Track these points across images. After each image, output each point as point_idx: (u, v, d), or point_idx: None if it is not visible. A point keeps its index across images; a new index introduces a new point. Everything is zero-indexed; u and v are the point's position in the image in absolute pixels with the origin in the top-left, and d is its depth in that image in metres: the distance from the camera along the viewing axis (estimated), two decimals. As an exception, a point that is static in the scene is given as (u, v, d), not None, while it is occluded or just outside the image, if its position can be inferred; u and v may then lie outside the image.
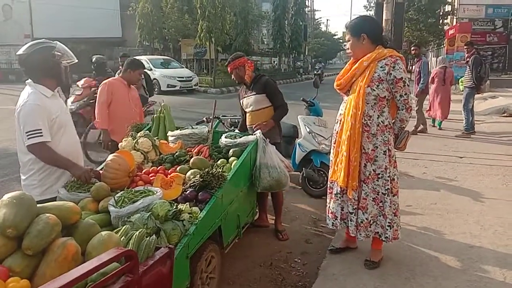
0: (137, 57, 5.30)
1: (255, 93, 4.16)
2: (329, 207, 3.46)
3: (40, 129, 2.65)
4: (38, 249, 1.85)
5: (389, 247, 3.49)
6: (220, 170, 3.14)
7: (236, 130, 4.36)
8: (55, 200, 2.50)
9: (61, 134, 2.82)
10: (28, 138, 2.64)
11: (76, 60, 2.93)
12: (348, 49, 3.28)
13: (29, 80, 2.79)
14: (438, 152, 7.41)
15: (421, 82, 9.23)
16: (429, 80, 9.52)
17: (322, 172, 5.28)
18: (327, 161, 5.23)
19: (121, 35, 29.59)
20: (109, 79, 4.78)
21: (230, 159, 3.53)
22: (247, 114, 4.30)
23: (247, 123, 4.32)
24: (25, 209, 1.92)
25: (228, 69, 4.25)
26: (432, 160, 6.80)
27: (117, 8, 29.18)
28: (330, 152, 4.26)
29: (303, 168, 5.34)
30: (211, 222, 2.87)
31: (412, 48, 10.21)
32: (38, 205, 2.04)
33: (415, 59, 10.00)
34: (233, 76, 4.26)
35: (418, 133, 9.05)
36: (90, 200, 2.67)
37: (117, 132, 4.50)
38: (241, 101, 4.39)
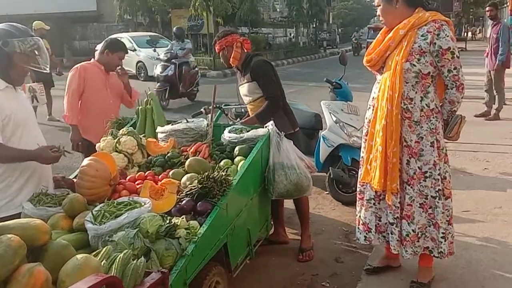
0: (116, 35, 5.32)
1: (246, 80, 4.19)
2: (359, 216, 3.46)
3: None
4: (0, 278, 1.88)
5: (442, 264, 3.48)
6: (224, 174, 3.15)
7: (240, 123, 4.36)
8: (19, 217, 2.54)
9: (19, 135, 2.86)
10: None
11: (47, 71, 2.96)
12: (379, 16, 3.26)
13: None
14: (503, 141, 7.35)
15: (499, 52, 9.05)
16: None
17: (354, 172, 5.26)
18: (360, 158, 5.23)
19: (96, 8, 29.79)
20: (82, 63, 4.74)
21: (236, 159, 3.54)
22: (248, 106, 4.37)
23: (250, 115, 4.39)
24: (-19, 229, 1.96)
25: (216, 48, 4.28)
26: (495, 152, 6.75)
27: (91, -25, 29.44)
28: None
29: (330, 168, 5.34)
30: (214, 239, 2.90)
31: (487, 9, 9.98)
32: (-2, 223, 2.08)
33: (492, 22, 9.79)
34: (221, 57, 4.34)
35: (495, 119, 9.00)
36: (62, 216, 2.69)
37: (91, 130, 4.52)
38: (237, 90, 4.47)
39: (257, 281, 3.77)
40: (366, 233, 3.38)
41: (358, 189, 3.48)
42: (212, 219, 2.84)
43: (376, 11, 3.41)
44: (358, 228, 3.46)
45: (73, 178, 3.23)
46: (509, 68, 9.47)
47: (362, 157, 3.42)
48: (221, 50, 4.20)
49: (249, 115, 4.48)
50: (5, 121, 2.78)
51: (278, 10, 36.87)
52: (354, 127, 5.35)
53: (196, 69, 13.75)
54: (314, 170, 3.90)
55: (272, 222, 4.25)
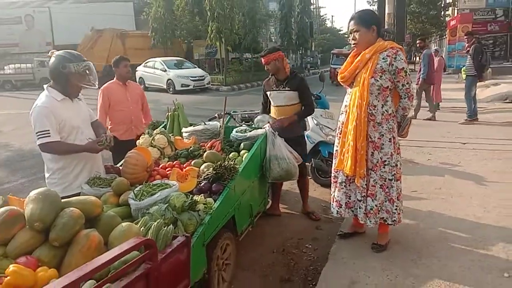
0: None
1: (289, 89, 4.01)
2: (333, 196, 3.46)
3: (48, 130, 2.70)
4: (64, 241, 1.90)
5: (396, 230, 3.48)
6: (232, 163, 3.16)
7: (245, 125, 4.35)
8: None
9: (74, 135, 2.86)
10: (38, 138, 2.71)
11: (96, 87, 2.96)
12: (353, 40, 3.17)
13: (46, 85, 2.86)
14: (441, 139, 7.33)
15: (421, 72, 9.43)
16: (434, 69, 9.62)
17: (330, 162, 5.25)
18: (334, 151, 5.22)
19: (136, 39, 29.71)
20: (105, 84, 4.69)
21: (241, 152, 3.54)
22: (274, 108, 4.16)
23: (275, 116, 4.15)
24: (50, 204, 1.97)
25: (264, 60, 4.03)
26: (436, 147, 6.73)
27: (132, 14, 29.36)
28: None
29: (312, 159, 5.34)
30: (225, 211, 2.90)
31: (417, 41, 10.26)
32: (62, 200, 2.09)
33: (421, 50, 9.98)
34: (267, 68, 4.05)
35: (428, 119, 9.26)
36: (111, 194, 2.70)
37: (118, 129, 4.55)
38: (267, 93, 4.21)
39: (257, 244, 3.77)
40: (338, 208, 3.38)
41: (332, 175, 3.47)
42: (223, 197, 2.84)
43: (348, 41, 3.38)
44: (332, 204, 3.46)
45: (119, 166, 3.23)
46: (431, 84, 9.71)
47: (336, 150, 3.41)
48: (272, 61, 3.98)
49: (272, 118, 4.24)
50: (62, 124, 2.78)
51: (273, 40, 36.73)
52: (330, 128, 5.34)
53: None
54: (300, 161, 3.87)
55: (269, 199, 4.26)
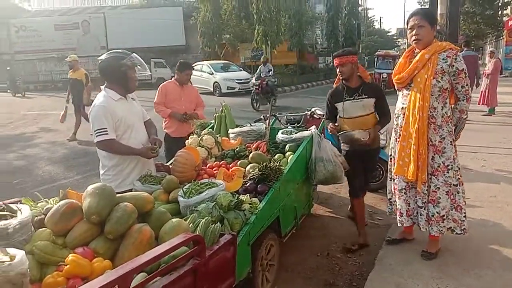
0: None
1: (366, 96, 3.52)
2: (395, 204, 3.37)
3: (106, 128, 2.82)
4: (118, 234, 1.99)
5: (447, 238, 3.34)
6: (277, 164, 3.17)
7: (290, 127, 4.32)
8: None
9: (129, 133, 2.98)
10: (96, 136, 2.84)
11: (149, 73, 3.08)
12: (415, 35, 3.02)
13: (103, 86, 3.00)
14: (497, 145, 6.95)
15: None
16: (491, 71, 9.31)
17: (378, 166, 5.13)
18: (382, 155, 5.08)
19: (185, 43, 30.48)
20: (164, 82, 4.98)
21: (287, 154, 3.54)
22: (346, 120, 3.58)
23: (350, 128, 3.56)
24: (106, 198, 2.07)
25: (339, 60, 3.55)
26: (491, 153, 6.39)
27: (181, 18, 30.11)
28: (386, 147, 4.14)
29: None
30: (270, 212, 2.91)
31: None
32: (117, 195, 2.19)
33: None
34: (341, 70, 3.54)
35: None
36: (161, 192, 2.79)
37: (171, 127, 4.79)
38: (337, 104, 3.65)
39: (302, 246, 3.75)
40: (400, 217, 3.29)
41: (392, 181, 3.37)
42: (269, 197, 2.86)
43: (397, 43, 3.30)
44: (396, 215, 3.36)
45: (169, 164, 3.33)
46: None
47: (391, 155, 3.33)
48: (348, 63, 3.52)
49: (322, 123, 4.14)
50: (118, 123, 2.90)
51: (319, 42, 36.34)
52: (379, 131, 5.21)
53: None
54: (346, 167, 3.77)
55: (313, 202, 4.22)
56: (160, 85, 4.91)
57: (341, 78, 3.62)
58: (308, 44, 29.76)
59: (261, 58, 15.97)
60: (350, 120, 3.57)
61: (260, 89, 13.76)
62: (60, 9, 31.57)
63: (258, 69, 15.18)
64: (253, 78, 14.98)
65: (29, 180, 6.39)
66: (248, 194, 2.85)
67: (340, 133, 3.60)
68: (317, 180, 3.61)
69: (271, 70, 14.80)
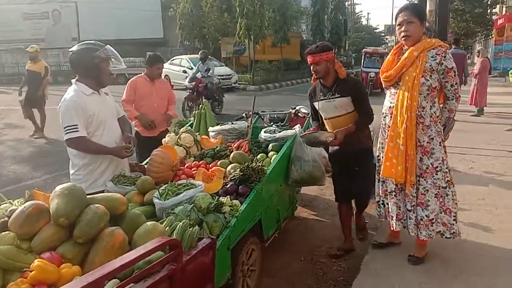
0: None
1: (339, 95, 3.36)
2: (383, 207, 3.41)
3: (76, 125, 2.77)
4: (88, 238, 1.95)
5: (435, 242, 3.39)
6: (260, 164, 3.17)
7: (273, 125, 4.32)
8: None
9: (101, 130, 2.94)
10: (66, 133, 2.79)
11: (124, 66, 3.04)
12: (404, 32, 3.04)
13: (74, 79, 2.94)
14: (486, 146, 7.10)
15: None
16: (475, 74, 9.55)
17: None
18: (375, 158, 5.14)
19: (163, 36, 30.28)
20: (134, 77, 4.88)
21: (270, 154, 3.54)
22: (326, 121, 3.53)
23: (330, 130, 3.51)
24: (76, 199, 2.03)
25: (312, 58, 3.36)
26: (480, 155, 6.53)
27: (159, 9, 29.93)
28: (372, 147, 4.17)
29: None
30: (251, 215, 2.90)
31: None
32: (87, 196, 2.15)
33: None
34: (315, 69, 3.38)
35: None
36: (135, 193, 2.76)
37: (138, 125, 4.72)
38: (315, 104, 3.58)
39: (284, 251, 3.76)
40: (391, 221, 3.30)
41: (380, 183, 3.39)
42: (250, 199, 2.86)
43: (384, 40, 3.33)
44: (388, 218, 3.37)
45: (145, 164, 3.29)
46: None
47: (379, 156, 3.36)
48: (322, 62, 3.35)
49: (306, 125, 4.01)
50: (89, 119, 2.86)
51: (304, 38, 36.56)
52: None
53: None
54: (329, 170, 3.76)
55: (297, 205, 4.23)
56: (129, 81, 4.81)
57: (315, 77, 3.48)
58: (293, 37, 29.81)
59: (199, 54, 11.99)
60: (329, 122, 3.51)
61: (195, 93, 11.18)
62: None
63: (196, 68, 12.11)
64: (187, 79, 12.19)
65: (-8, 180, 6.24)
66: (228, 196, 2.84)
67: (302, 135, 3.58)
68: (292, 180, 3.56)
69: (209, 70, 11.77)
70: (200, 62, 11.87)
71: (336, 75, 3.43)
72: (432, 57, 2.99)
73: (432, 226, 3.11)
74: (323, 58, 3.35)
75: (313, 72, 3.45)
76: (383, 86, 3.34)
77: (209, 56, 22.73)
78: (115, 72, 3.02)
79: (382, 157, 3.29)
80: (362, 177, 3.51)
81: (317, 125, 3.68)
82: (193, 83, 11.25)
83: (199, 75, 11.60)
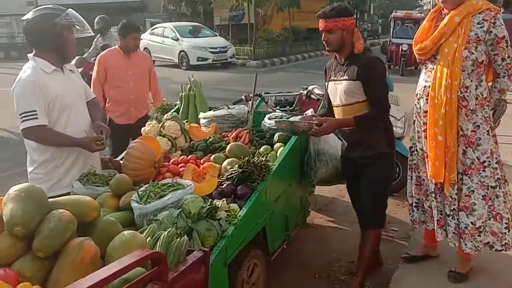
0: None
1: (347, 77, 3.17)
2: (418, 211, 3.47)
3: (35, 110, 2.79)
4: (51, 251, 1.95)
5: (481, 255, 3.40)
6: (263, 159, 3.17)
7: (280, 110, 4.31)
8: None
9: (66, 117, 2.96)
10: (22, 121, 2.80)
11: (92, 34, 3.04)
12: None
13: (31, 54, 2.94)
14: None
15: None
16: None
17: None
18: (399, 148, 5.14)
19: (141, -1, 30.22)
20: (103, 52, 4.98)
21: (276, 146, 3.55)
22: (336, 109, 3.36)
23: None
24: (35, 204, 2.03)
25: (323, 24, 3.16)
26: (538, 146, 6.53)
27: (135, -35, 29.80)
28: (403, 137, 4.18)
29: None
30: (253, 222, 2.92)
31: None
32: (49, 199, 2.16)
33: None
34: (327, 38, 3.19)
35: None
36: (109, 195, 2.77)
37: (111, 110, 4.82)
38: (326, 84, 3.46)
39: (294, 265, 3.80)
40: (436, 228, 3.30)
41: (412, 181, 3.45)
42: (252, 203, 2.86)
43: (418, 2, 3.30)
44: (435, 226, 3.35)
45: (120, 159, 3.31)
46: None
47: (413, 148, 3.39)
48: (336, 30, 3.13)
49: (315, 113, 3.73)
50: (51, 104, 2.87)
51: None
52: (394, 117, 5.25)
53: None
54: None
55: (310, 209, 4.25)
56: (98, 56, 4.84)
57: (327, 49, 3.30)
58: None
59: (95, 22, 8.20)
60: (336, 110, 3.37)
61: None
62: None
63: (93, 44, 8.56)
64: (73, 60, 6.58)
65: None
66: (224, 199, 2.85)
67: (277, 120, 3.59)
68: (318, 179, 3.61)
69: (108, 47, 7.38)
70: (99, 35, 8.57)
71: (352, 49, 3.22)
72: (478, 23, 2.97)
73: (479, 236, 3.11)
74: (338, 25, 3.13)
75: (324, 42, 3.28)
76: (418, 61, 3.33)
77: (199, 24, 22.58)
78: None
79: (419, 149, 3.30)
80: (371, 193, 3.25)
81: (324, 112, 3.63)
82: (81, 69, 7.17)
83: (90, 55, 8.30)
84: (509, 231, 3.13)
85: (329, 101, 3.45)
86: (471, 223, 3.10)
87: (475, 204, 3.10)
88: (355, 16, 3.25)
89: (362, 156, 3.24)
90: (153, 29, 20.69)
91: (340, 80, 3.23)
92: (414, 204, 3.48)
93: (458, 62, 2.99)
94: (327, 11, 3.16)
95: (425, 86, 3.20)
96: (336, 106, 3.33)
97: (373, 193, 3.24)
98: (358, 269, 3.50)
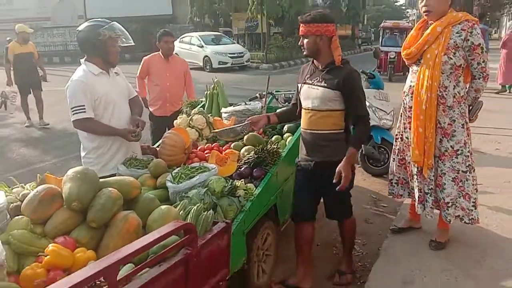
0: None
1: (325, 85, 2.80)
2: (396, 186, 3.49)
3: (83, 105, 2.82)
4: (102, 222, 1.99)
5: (457, 227, 3.39)
6: (275, 147, 3.18)
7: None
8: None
9: (110, 112, 2.98)
10: (72, 114, 2.84)
11: (133, 43, 3.05)
12: (425, 6, 3.00)
13: (83, 59, 2.98)
14: (513, 126, 7.01)
15: None
16: (500, 45, 9.45)
17: (383, 149, 5.18)
18: (388, 137, 5.13)
19: (172, 12, 29.98)
20: (148, 55, 5.03)
21: (285, 135, 3.55)
22: (305, 111, 2.96)
23: (303, 124, 3.01)
24: (89, 183, 2.07)
25: (303, 29, 2.83)
26: (506, 135, 6.44)
27: (168, -16, 29.60)
28: (392, 128, 4.15)
29: (362, 145, 5.26)
30: (266, 199, 2.93)
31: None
32: (100, 179, 2.19)
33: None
34: (303, 42, 2.86)
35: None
36: (148, 176, 2.79)
37: (151, 104, 4.94)
38: (299, 85, 3.04)
39: (300, 235, 3.79)
40: (416, 203, 3.31)
41: (395, 162, 3.46)
42: (265, 183, 2.87)
43: (405, 14, 3.26)
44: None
45: (157, 147, 3.33)
46: None
47: (399, 136, 3.38)
48: (311, 35, 2.78)
49: (287, 114, 3.29)
50: (97, 102, 2.90)
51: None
52: (384, 111, 5.24)
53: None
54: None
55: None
56: (144, 57, 4.93)
57: (304, 53, 2.93)
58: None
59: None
60: (308, 112, 2.92)
61: None
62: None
63: None
64: None
65: (1, 163, 6.36)
66: (243, 179, 2.85)
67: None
68: None
69: None
70: None
71: (332, 59, 2.83)
72: (457, 32, 2.93)
73: (448, 209, 3.11)
74: (311, 31, 2.77)
75: (301, 46, 2.92)
76: (406, 64, 3.30)
77: (220, 33, 22.42)
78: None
79: (405, 137, 3.29)
80: (334, 197, 2.92)
81: (289, 109, 3.29)
82: None
83: None
84: (475, 208, 3.12)
85: (299, 102, 3.05)
86: (442, 198, 3.12)
87: (445, 184, 3.10)
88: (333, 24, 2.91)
89: (319, 162, 2.87)
90: (182, 38, 20.64)
91: (317, 86, 2.84)
92: (394, 180, 3.50)
93: (438, 66, 2.96)
94: (305, 17, 2.83)
95: (410, 86, 3.18)
96: (306, 109, 2.93)
97: (335, 197, 2.87)
98: (344, 251, 3.23)
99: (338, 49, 2.82)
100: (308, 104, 2.90)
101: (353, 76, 2.80)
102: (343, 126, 2.85)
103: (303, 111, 2.99)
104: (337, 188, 2.67)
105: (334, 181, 2.68)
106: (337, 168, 2.69)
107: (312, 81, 2.88)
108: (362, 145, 5.23)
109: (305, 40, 2.83)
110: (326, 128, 2.84)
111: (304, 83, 2.94)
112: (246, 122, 3.10)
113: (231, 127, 3.26)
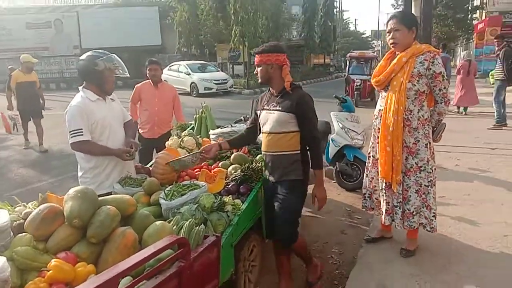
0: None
1: (280, 109, 2.78)
2: (369, 200, 3.50)
3: (81, 129, 2.79)
4: (101, 238, 1.96)
5: (424, 236, 3.43)
6: (259, 165, 3.18)
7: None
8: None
9: (106, 135, 2.95)
10: (71, 137, 2.81)
11: (128, 75, 3.05)
12: (392, 39, 3.08)
13: (81, 86, 2.97)
14: (470, 144, 7.18)
15: None
16: (456, 72, 9.68)
17: (355, 166, 5.23)
18: (360, 155, 5.20)
19: (161, 43, 30.09)
20: (140, 83, 5.02)
21: (268, 155, 3.55)
22: (264, 135, 2.92)
23: (263, 147, 2.96)
24: (89, 201, 2.04)
25: (256, 59, 2.86)
26: (465, 152, 6.59)
27: (157, 18, 29.72)
28: (363, 147, 4.21)
29: (337, 163, 5.32)
30: (252, 213, 2.92)
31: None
32: (99, 198, 2.16)
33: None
34: (258, 72, 2.87)
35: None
36: (142, 194, 2.76)
37: (141, 127, 4.90)
38: (257, 112, 3.02)
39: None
40: (382, 216, 3.34)
41: (368, 178, 3.48)
42: (251, 198, 2.87)
43: (371, 45, 3.35)
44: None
45: (150, 167, 3.30)
46: None
47: (371, 154, 3.42)
48: (265, 64, 2.80)
49: (239, 140, 3.28)
50: (94, 125, 2.87)
51: (295, 44, 36.67)
52: (356, 132, 5.32)
53: None
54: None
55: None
56: (136, 85, 4.94)
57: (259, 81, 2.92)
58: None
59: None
60: (266, 135, 2.89)
61: None
62: (33, 7, 30.61)
63: None
64: None
65: (0, 183, 6.20)
66: (230, 195, 2.86)
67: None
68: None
69: None
70: None
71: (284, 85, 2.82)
72: (420, 62, 3.01)
73: (413, 218, 3.16)
74: (263, 60, 2.80)
75: (255, 75, 2.94)
76: (376, 90, 3.37)
77: (205, 62, 22.61)
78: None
79: (373, 156, 3.34)
80: (283, 218, 2.78)
81: (243, 135, 3.23)
82: None
83: None
84: (435, 218, 3.18)
85: (257, 126, 3.05)
86: (407, 209, 3.16)
87: (410, 196, 3.15)
88: (283, 54, 2.86)
89: (277, 181, 2.85)
90: (171, 66, 20.67)
91: (273, 110, 2.81)
92: (367, 195, 3.53)
93: (403, 92, 3.03)
94: (258, 48, 2.86)
95: (379, 109, 3.25)
96: (265, 133, 2.89)
97: (284, 218, 2.77)
98: (305, 264, 3.14)
99: (288, 76, 2.81)
100: (267, 128, 2.87)
101: (305, 100, 2.78)
102: (299, 147, 2.81)
103: (262, 135, 2.96)
104: (317, 210, 2.77)
105: (313, 204, 2.79)
106: (312, 192, 2.79)
107: (269, 106, 2.87)
108: (337, 163, 5.30)
109: (259, 69, 2.84)
110: (283, 149, 2.81)
111: (263, 109, 2.92)
112: (196, 152, 3.11)
113: (184, 156, 3.09)
